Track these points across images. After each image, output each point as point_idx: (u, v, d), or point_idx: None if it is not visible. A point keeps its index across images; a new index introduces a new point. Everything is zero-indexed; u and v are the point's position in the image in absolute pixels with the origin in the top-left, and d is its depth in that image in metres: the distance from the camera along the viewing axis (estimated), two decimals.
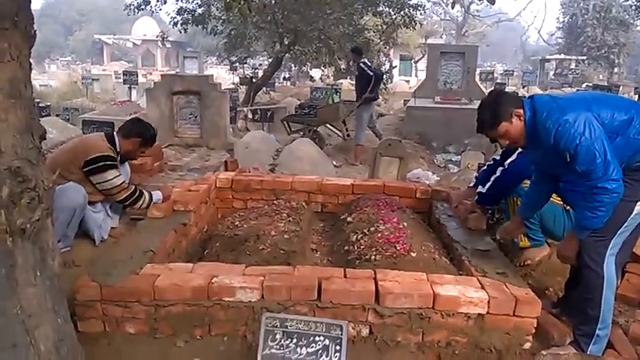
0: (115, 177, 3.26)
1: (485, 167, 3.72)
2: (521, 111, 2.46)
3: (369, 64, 9.31)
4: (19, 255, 1.79)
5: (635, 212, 2.38)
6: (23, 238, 1.79)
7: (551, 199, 3.01)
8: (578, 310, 2.58)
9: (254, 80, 15.01)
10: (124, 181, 3.34)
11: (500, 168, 3.40)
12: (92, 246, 3.27)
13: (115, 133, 3.51)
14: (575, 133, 2.27)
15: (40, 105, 10.30)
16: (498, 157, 3.59)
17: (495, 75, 27.04)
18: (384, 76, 14.78)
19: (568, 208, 3.02)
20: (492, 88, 2.93)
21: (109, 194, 3.30)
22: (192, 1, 13.30)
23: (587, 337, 2.50)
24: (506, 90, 17.06)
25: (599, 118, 2.31)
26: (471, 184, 3.78)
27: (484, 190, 3.48)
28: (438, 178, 7.50)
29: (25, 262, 1.81)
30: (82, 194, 3.10)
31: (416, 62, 32.27)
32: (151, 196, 3.47)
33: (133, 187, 3.41)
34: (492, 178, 3.43)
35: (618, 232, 2.41)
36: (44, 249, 1.90)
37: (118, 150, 3.39)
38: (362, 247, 3.24)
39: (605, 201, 2.27)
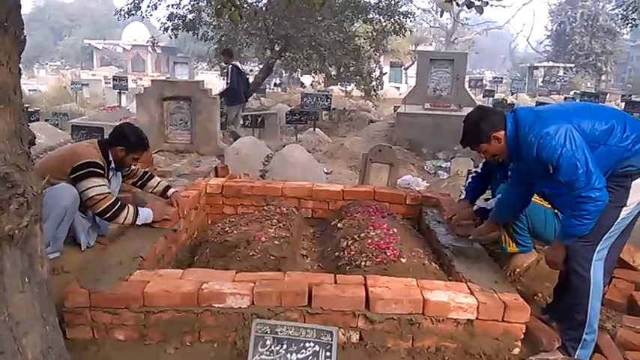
0: (95, 185, 3.07)
1: (470, 180, 3.73)
2: (502, 133, 2.59)
3: (240, 69, 9.71)
4: (7, 261, 1.78)
5: (620, 217, 2.42)
6: (11, 244, 1.78)
7: (541, 203, 3.11)
8: (566, 315, 2.61)
9: None
10: (104, 193, 3.10)
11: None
12: (80, 252, 3.24)
13: (106, 140, 3.42)
14: (557, 145, 2.34)
15: (29, 110, 10.24)
16: (480, 170, 3.64)
17: (484, 82, 27.26)
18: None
19: (557, 212, 3.06)
20: (477, 105, 3.03)
21: (88, 205, 3.11)
22: (183, 7, 13.31)
23: (575, 342, 2.53)
24: (494, 99, 17.23)
25: (580, 128, 2.38)
26: (462, 197, 3.76)
27: (488, 207, 3.45)
28: (428, 185, 7.54)
29: (13, 268, 1.80)
30: (73, 194, 3.05)
31: (406, 69, 32.47)
32: (136, 211, 3.23)
33: (114, 198, 3.17)
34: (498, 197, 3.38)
35: (604, 237, 2.44)
36: (33, 255, 1.89)
37: (111, 159, 3.31)
38: (352, 253, 3.24)
39: (590, 209, 2.32)
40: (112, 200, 3.13)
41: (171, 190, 3.68)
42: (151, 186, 3.70)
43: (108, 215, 3.14)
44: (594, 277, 2.46)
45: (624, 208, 2.40)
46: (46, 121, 10.92)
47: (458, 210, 3.65)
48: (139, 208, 3.29)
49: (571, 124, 2.38)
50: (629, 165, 2.39)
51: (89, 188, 3.07)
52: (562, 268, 2.62)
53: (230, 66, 9.45)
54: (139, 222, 3.24)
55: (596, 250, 2.45)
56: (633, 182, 2.38)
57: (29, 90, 19.16)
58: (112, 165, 3.35)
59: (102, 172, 3.17)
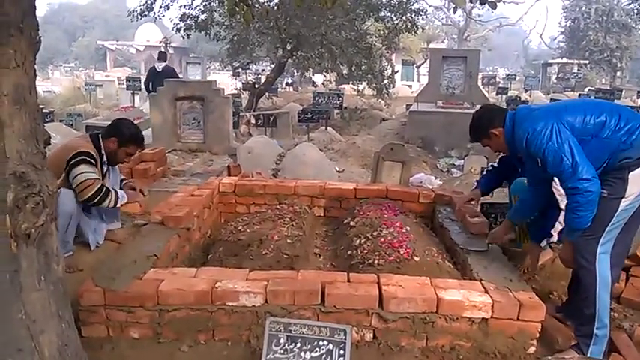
0: (83, 172, 3.09)
1: (485, 174, 3.71)
2: (500, 130, 2.79)
3: (157, 69, 10.34)
4: (23, 260, 1.80)
5: (620, 209, 2.42)
6: (28, 242, 1.79)
7: None
8: (577, 310, 2.61)
9: (257, 86, 15.04)
10: (91, 179, 3.10)
11: None
12: (94, 251, 3.27)
13: (99, 134, 3.42)
14: (542, 140, 2.47)
15: (44, 111, 10.35)
16: (496, 164, 3.61)
17: (497, 79, 27.05)
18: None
19: None
20: (482, 104, 3.18)
21: (77, 191, 3.09)
22: (195, 8, 13.37)
23: (587, 338, 2.51)
24: (508, 97, 17.10)
25: (569, 123, 2.47)
26: (474, 188, 3.76)
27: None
28: (441, 183, 7.50)
29: (29, 266, 1.82)
30: (74, 198, 3.09)
31: (418, 67, 32.34)
32: (117, 195, 3.30)
33: (100, 184, 3.18)
34: None
35: (606, 230, 2.45)
36: (48, 254, 1.91)
37: (103, 152, 3.32)
38: (365, 251, 3.24)
39: (580, 201, 2.37)
40: (99, 186, 3.15)
41: (125, 181, 3.68)
42: None
43: (95, 200, 3.15)
44: (600, 269, 2.46)
45: (623, 200, 2.41)
46: (60, 121, 11.03)
47: (469, 195, 3.69)
48: (117, 190, 3.35)
49: (558, 120, 2.49)
50: (625, 157, 2.41)
51: (78, 175, 3.08)
52: (574, 264, 2.62)
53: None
54: (118, 204, 3.33)
55: (600, 244, 2.46)
56: (631, 173, 2.40)
57: (44, 91, 19.35)
58: (104, 159, 3.35)
59: (93, 161, 3.19)
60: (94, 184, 3.12)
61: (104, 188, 3.19)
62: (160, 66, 10.44)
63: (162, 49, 12.70)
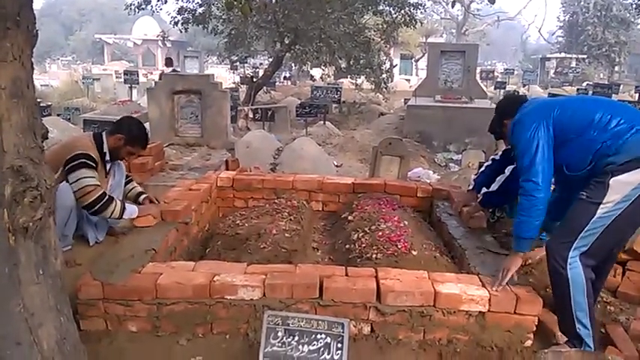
0: (84, 177, 3.00)
1: (483, 169, 3.68)
2: (510, 120, 2.76)
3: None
4: (21, 253, 1.80)
5: (597, 216, 2.32)
6: (26, 236, 1.79)
7: None
8: (559, 311, 2.57)
9: (254, 79, 15.02)
10: (91, 185, 3.02)
11: (511, 167, 3.36)
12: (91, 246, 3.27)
13: (103, 131, 3.38)
14: (520, 133, 2.53)
15: (42, 105, 10.32)
16: (498, 157, 3.57)
17: (496, 74, 27.05)
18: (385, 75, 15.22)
19: None
20: (505, 93, 3.21)
21: (76, 196, 3.02)
22: (193, 1, 13.34)
23: (574, 338, 2.46)
24: (506, 91, 17.07)
25: (556, 119, 2.47)
26: (470, 187, 3.75)
27: (492, 190, 3.44)
28: (439, 177, 7.52)
29: (27, 260, 1.82)
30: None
31: (416, 61, 32.29)
32: (123, 206, 3.19)
33: (102, 191, 3.09)
34: (501, 179, 3.39)
35: (580, 236, 2.35)
36: (47, 247, 1.91)
37: (105, 150, 3.27)
38: (363, 245, 3.25)
39: (523, 203, 2.41)
40: (100, 193, 3.07)
41: (143, 196, 3.57)
42: (127, 190, 3.60)
43: (96, 208, 3.06)
44: (572, 274, 2.37)
45: (601, 206, 2.31)
46: (58, 115, 11.01)
47: (464, 201, 3.67)
48: (125, 203, 3.26)
49: (545, 118, 2.49)
50: (610, 162, 2.33)
51: (79, 180, 3.02)
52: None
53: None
54: (125, 216, 3.22)
55: (573, 248, 2.37)
56: (613, 179, 2.31)
57: (41, 85, 19.30)
58: (107, 157, 3.30)
59: (94, 164, 3.11)
60: (95, 190, 3.04)
61: (105, 196, 3.10)
62: (167, 71, 12.16)
63: (169, 56, 14.80)
